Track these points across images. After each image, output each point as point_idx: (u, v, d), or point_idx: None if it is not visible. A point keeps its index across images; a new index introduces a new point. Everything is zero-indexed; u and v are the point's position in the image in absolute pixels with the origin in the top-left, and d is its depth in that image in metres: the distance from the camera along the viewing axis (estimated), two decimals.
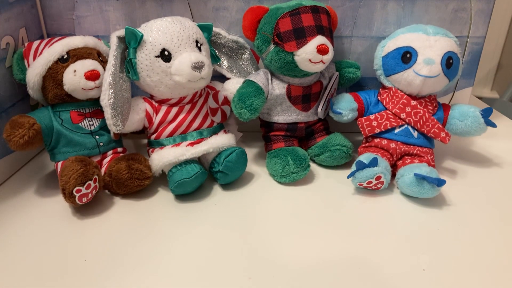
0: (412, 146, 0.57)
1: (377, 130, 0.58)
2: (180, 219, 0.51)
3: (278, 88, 0.58)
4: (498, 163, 0.63)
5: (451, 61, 0.55)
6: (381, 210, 0.52)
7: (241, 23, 0.58)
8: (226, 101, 0.60)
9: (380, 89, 0.61)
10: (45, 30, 0.65)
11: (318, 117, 0.62)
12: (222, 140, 0.56)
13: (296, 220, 0.50)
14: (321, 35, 0.54)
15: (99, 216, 0.51)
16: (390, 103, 0.58)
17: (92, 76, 0.52)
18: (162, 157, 0.53)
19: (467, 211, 0.52)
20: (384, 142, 0.58)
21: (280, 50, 0.55)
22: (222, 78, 0.63)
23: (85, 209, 0.52)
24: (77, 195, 0.48)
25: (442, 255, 0.44)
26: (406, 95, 0.58)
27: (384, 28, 0.65)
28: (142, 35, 0.51)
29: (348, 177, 0.54)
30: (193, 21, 0.56)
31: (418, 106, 0.57)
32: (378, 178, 0.53)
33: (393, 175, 0.57)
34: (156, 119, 0.56)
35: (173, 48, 0.51)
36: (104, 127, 0.55)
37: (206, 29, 0.56)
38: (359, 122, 0.59)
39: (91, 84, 0.53)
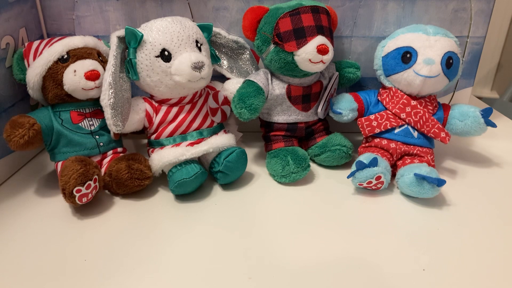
0: (412, 146, 0.57)
1: (377, 130, 0.58)
2: (180, 219, 0.51)
3: (278, 88, 0.58)
4: (498, 163, 0.63)
5: (451, 61, 0.55)
6: (381, 210, 0.52)
7: (241, 23, 0.58)
8: (226, 101, 0.60)
9: (380, 89, 0.61)
10: (45, 30, 0.65)
11: (318, 117, 0.62)
12: (222, 140, 0.56)
13: (296, 220, 0.50)
14: (321, 35, 0.54)
15: (99, 216, 0.51)
16: (390, 103, 0.58)
17: (92, 76, 0.52)
18: (162, 157, 0.53)
19: (467, 211, 0.52)
20: (384, 142, 0.58)
21: (280, 50, 0.55)
22: (222, 78, 0.63)
23: (85, 209, 0.52)
24: (77, 195, 0.48)
25: (442, 255, 0.44)
26: (406, 95, 0.58)
27: (384, 28, 0.65)
28: (142, 35, 0.51)
29: (348, 177, 0.54)
30: (193, 21, 0.56)
31: (418, 106, 0.57)
32: (378, 178, 0.53)
33: (393, 175, 0.57)
34: (156, 119, 0.56)
35: (173, 48, 0.51)
36: (104, 127, 0.55)
37: (206, 29, 0.56)
38: (359, 122, 0.59)
39: (91, 84, 0.53)
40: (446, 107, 0.60)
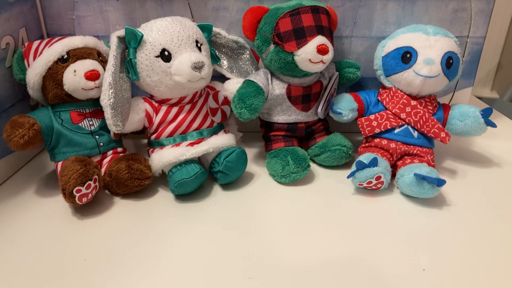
0: (412, 146, 0.57)
1: (377, 130, 0.58)
2: (180, 219, 0.51)
3: (278, 88, 0.58)
4: (498, 163, 0.63)
5: (451, 61, 0.55)
6: (381, 210, 0.52)
7: (241, 23, 0.58)
8: (226, 101, 0.60)
9: (380, 89, 0.61)
10: (45, 30, 0.65)
11: (318, 117, 0.62)
12: (222, 140, 0.56)
13: (296, 220, 0.50)
14: (321, 35, 0.54)
15: (99, 216, 0.51)
16: (390, 103, 0.58)
17: (92, 76, 0.52)
18: (162, 157, 0.53)
19: (467, 211, 0.52)
20: (384, 142, 0.58)
21: (280, 50, 0.55)
22: (222, 78, 0.63)
23: (85, 209, 0.52)
24: (77, 195, 0.48)
25: (442, 255, 0.44)
26: (406, 95, 0.58)
27: (384, 28, 0.65)
28: (142, 35, 0.51)
29: (348, 177, 0.54)
30: (193, 21, 0.56)
31: (418, 106, 0.57)
32: (378, 178, 0.53)
33: (393, 175, 0.57)
34: (156, 119, 0.56)
35: (173, 48, 0.51)
36: (104, 127, 0.55)
37: (206, 29, 0.56)
38: (359, 122, 0.59)
39: (91, 84, 0.53)
40: (446, 107, 0.60)
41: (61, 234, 0.48)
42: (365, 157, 0.54)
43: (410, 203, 0.53)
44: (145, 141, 0.60)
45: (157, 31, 0.51)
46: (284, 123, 0.60)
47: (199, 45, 0.53)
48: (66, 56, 0.53)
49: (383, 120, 0.58)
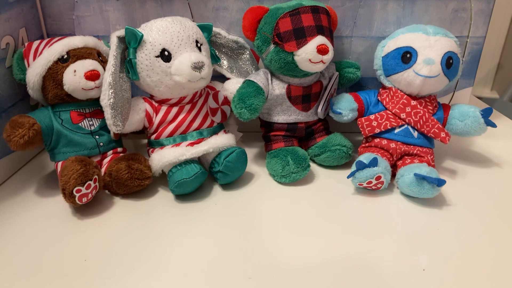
0: (412, 146, 0.57)
1: (377, 130, 0.58)
2: (180, 219, 0.51)
3: (278, 88, 0.58)
4: (498, 163, 0.63)
5: (451, 61, 0.55)
6: (381, 210, 0.52)
7: (241, 23, 0.58)
8: (226, 101, 0.60)
9: (380, 89, 0.61)
10: (45, 30, 0.65)
11: (318, 117, 0.62)
12: (222, 140, 0.56)
13: (296, 220, 0.50)
14: (321, 35, 0.54)
15: (99, 216, 0.51)
16: (390, 103, 0.58)
17: (92, 76, 0.52)
18: (162, 157, 0.53)
19: (467, 211, 0.52)
20: (384, 142, 0.58)
21: (280, 50, 0.55)
22: (222, 78, 0.63)
23: (85, 209, 0.52)
24: (77, 195, 0.48)
25: (442, 255, 0.44)
26: (406, 95, 0.58)
27: (384, 28, 0.65)
28: (142, 35, 0.51)
29: (348, 177, 0.54)
30: (193, 21, 0.56)
31: (418, 106, 0.57)
32: (378, 178, 0.53)
33: (393, 175, 0.57)
34: (156, 119, 0.56)
35: (173, 48, 0.51)
36: (104, 127, 0.55)
37: (206, 29, 0.56)
38: (359, 122, 0.59)
39: (91, 84, 0.53)
40: (446, 107, 0.60)
41: (61, 234, 0.48)
42: (365, 157, 0.54)
43: (410, 203, 0.53)
44: (145, 141, 0.60)
45: (157, 31, 0.51)
46: (284, 123, 0.60)
47: (199, 45, 0.53)
48: (66, 56, 0.53)
49: (383, 120, 0.58)
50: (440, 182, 0.51)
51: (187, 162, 0.54)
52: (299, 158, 0.57)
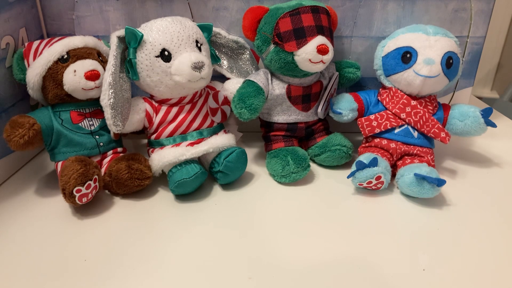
0: (412, 146, 0.57)
1: (377, 130, 0.58)
2: (180, 219, 0.51)
3: (278, 88, 0.58)
4: (498, 163, 0.63)
5: (451, 61, 0.55)
6: (381, 210, 0.52)
7: (241, 23, 0.58)
8: (226, 101, 0.60)
9: (380, 89, 0.61)
10: (45, 30, 0.65)
11: (318, 117, 0.62)
12: (222, 140, 0.56)
13: (296, 220, 0.50)
14: (321, 35, 0.54)
15: (99, 216, 0.51)
16: (390, 103, 0.58)
17: (92, 76, 0.52)
18: (162, 157, 0.53)
19: (467, 211, 0.52)
20: (384, 142, 0.58)
21: (280, 50, 0.55)
22: (222, 78, 0.63)
23: (85, 209, 0.52)
24: (77, 195, 0.48)
25: (442, 255, 0.44)
26: (406, 95, 0.58)
27: (384, 28, 0.65)
28: (142, 35, 0.51)
29: (348, 177, 0.54)
30: (193, 21, 0.56)
31: (418, 106, 0.57)
32: (378, 178, 0.53)
33: (393, 175, 0.57)
34: (156, 119, 0.56)
35: (173, 48, 0.51)
36: (104, 127, 0.55)
37: (206, 29, 0.56)
38: (359, 122, 0.59)
39: (91, 84, 0.53)
40: (446, 107, 0.60)
41: (61, 234, 0.48)
42: (365, 157, 0.54)
43: (410, 203, 0.53)
44: (145, 141, 0.60)
45: (157, 31, 0.51)
46: (284, 123, 0.60)
47: (199, 45, 0.53)
48: (66, 56, 0.53)
49: (383, 120, 0.58)
50: (440, 182, 0.51)
51: (187, 162, 0.54)
52: (299, 158, 0.57)
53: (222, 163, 0.54)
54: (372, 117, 0.58)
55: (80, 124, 0.54)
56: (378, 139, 0.58)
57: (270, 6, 0.57)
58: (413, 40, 0.56)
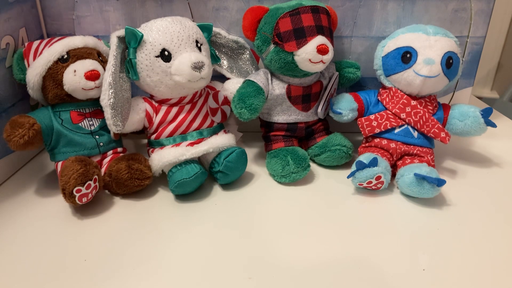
0: (412, 146, 0.57)
1: (377, 130, 0.58)
2: (180, 219, 0.51)
3: (278, 88, 0.58)
4: (498, 163, 0.63)
5: (451, 61, 0.55)
6: (381, 210, 0.52)
7: (241, 23, 0.58)
8: (226, 101, 0.60)
9: (380, 89, 0.61)
10: (45, 30, 0.65)
11: (318, 117, 0.62)
12: (222, 140, 0.56)
13: (296, 220, 0.50)
14: (321, 35, 0.54)
15: (99, 216, 0.51)
16: (390, 103, 0.58)
17: (92, 76, 0.52)
18: (162, 157, 0.53)
19: (467, 211, 0.52)
20: (384, 142, 0.58)
21: (280, 50, 0.55)
22: (222, 78, 0.63)
23: (85, 209, 0.52)
24: (77, 195, 0.48)
25: (442, 255, 0.44)
26: (406, 95, 0.58)
27: (384, 28, 0.65)
28: (142, 35, 0.51)
29: (348, 177, 0.54)
30: (193, 21, 0.56)
31: (418, 106, 0.57)
32: (378, 178, 0.53)
33: (393, 175, 0.57)
34: (156, 119, 0.56)
35: (173, 48, 0.51)
36: (104, 127, 0.55)
37: (206, 29, 0.56)
38: (359, 122, 0.59)
39: (91, 84, 0.53)
40: (446, 107, 0.60)
41: (61, 234, 0.48)
42: (365, 157, 0.54)
43: (410, 203, 0.53)
44: (145, 141, 0.60)
45: (157, 31, 0.51)
46: (284, 123, 0.60)
47: (199, 45, 0.53)
48: (66, 56, 0.53)
49: (383, 120, 0.58)
50: (440, 182, 0.51)
51: (187, 162, 0.54)
52: (299, 158, 0.57)
53: (222, 163, 0.54)
54: (372, 117, 0.58)
55: (80, 124, 0.54)
56: (378, 139, 0.58)
57: (270, 6, 0.57)
58: (413, 40, 0.56)
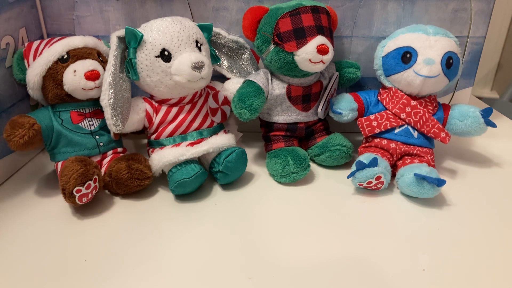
0: (412, 146, 0.57)
1: (377, 130, 0.58)
2: (180, 219, 0.51)
3: (278, 88, 0.58)
4: (498, 163, 0.63)
5: (451, 61, 0.55)
6: (381, 210, 0.52)
7: (241, 23, 0.58)
8: (226, 101, 0.60)
9: (380, 89, 0.61)
10: (45, 30, 0.65)
11: (318, 117, 0.62)
12: (222, 140, 0.56)
13: (296, 220, 0.50)
14: (321, 35, 0.54)
15: (99, 216, 0.51)
16: (390, 103, 0.58)
17: (92, 76, 0.52)
18: (162, 157, 0.53)
19: (467, 211, 0.52)
20: (384, 142, 0.58)
21: (280, 50, 0.55)
22: (222, 78, 0.63)
23: (85, 209, 0.52)
24: (77, 195, 0.48)
25: (442, 255, 0.44)
26: (406, 95, 0.58)
27: (384, 28, 0.65)
28: (142, 35, 0.51)
29: (348, 177, 0.54)
30: (193, 21, 0.56)
31: (418, 106, 0.57)
32: (378, 178, 0.53)
33: (393, 175, 0.57)
34: (156, 119, 0.56)
35: (173, 48, 0.51)
36: (104, 127, 0.55)
37: (206, 29, 0.56)
38: (359, 122, 0.59)
39: (91, 84, 0.53)
40: (446, 107, 0.60)
41: (61, 234, 0.48)
42: (365, 157, 0.54)
43: (410, 203, 0.53)
44: (145, 141, 0.60)
45: (157, 31, 0.51)
46: (284, 123, 0.60)
47: (199, 45, 0.53)
48: (66, 56, 0.53)
49: (383, 120, 0.58)
50: (440, 182, 0.51)
51: (187, 162, 0.54)
52: (299, 158, 0.57)
53: (222, 163, 0.54)
54: (372, 117, 0.58)
55: (80, 124, 0.54)
56: (378, 139, 0.58)
57: (270, 6, 0.57)
58: (413, 40, 0.56)
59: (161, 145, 0.56)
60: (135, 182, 0.53)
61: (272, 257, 0.44)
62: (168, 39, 0.51)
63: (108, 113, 0.51)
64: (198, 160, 0.57)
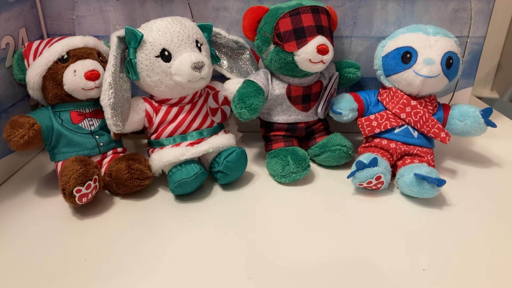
0: (412, 146, 0.57)
1: (377, 130, 0.58)
2: (180, 219, 0.51)
3: (278, 88, 0.58)
4: (498, 163, 0.63)
5: (451, 61, 0.55)
6: (381, 210, 0.52)
7: (241, 23, 0.58)
8: (226, 101, 0.60)
9: (380, 89, 0.61)
10: (45, 30, 0.65)
11: (318, 117, 0.62)
12: (222, 140, 0.56)
13: (296, 220, 0.50)
14: (321, 35, 0.54)
15: (99, 216, 0.51)
16: (390, 103, 0.58)
17: (92, 76, 0.52)
18: (162, 157, 0.53)
19: (467, 211, 0.52)
20: (384, 142, 0.58)
21: (280, 50, 0.55)
22: (222, 78, 0.63)
23: (85, 209, 0.52)
24: (77, 195, 0.48)
25: (442, 255, 0.44)
26: (406, 95, 0.58)
27: (384, 28, 0.65)
28: (142, 35, 0.51)
29: (348, 177, 0.54)
30: (193, 21, 0.56)
31: (418, 106, 0.57)
32: (378, 178, 0.53)
33: (393, 175, 0.57)
34: (156, 119, 0.56)
35: (173, 48, 0.51)
36: (104, 127, 0.55)
37: (206, 29, 0.56)
38: (359, 122, 0.59)
39: (91, 84, 0.53)
40: (446, 107, 0.60)
41: (61, 234, 0.48)
42: (365, 157, 0.54)
43: (410, 203, 0.53)
44: (145, 141, 0.60)
45: (157, 31, 0.51)
46: (284, 123, 0.60)
47: (199, 45, 0.53)
48: (66, 56, 0.53)
49: (383, 120, 0.58)
50: (440, 182, 0.51)
51: (187, 162, 0.54)
52: (299, 158, 0.57)
53: (222, 163, 0.54)
54: (372, 117, 0.58)
55: (80, 124, 0.54)
56: (378, 139, 0.58)
57: (270, 6, 0.57)
58: (413, 40, 0.56)
59: (161, 145, 0.56)
60: (135, 182, 0.53)
61: (272, 257, 0.44)
62: (168, 39, 0.51)
63: (108, 113, 0.51)
64: (198, 160, 0.57)
